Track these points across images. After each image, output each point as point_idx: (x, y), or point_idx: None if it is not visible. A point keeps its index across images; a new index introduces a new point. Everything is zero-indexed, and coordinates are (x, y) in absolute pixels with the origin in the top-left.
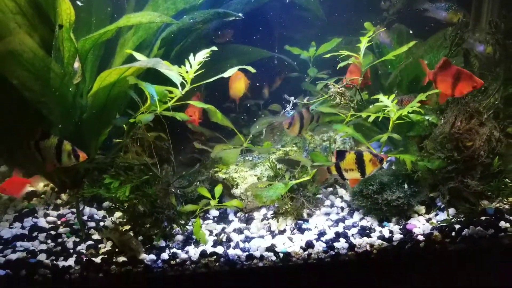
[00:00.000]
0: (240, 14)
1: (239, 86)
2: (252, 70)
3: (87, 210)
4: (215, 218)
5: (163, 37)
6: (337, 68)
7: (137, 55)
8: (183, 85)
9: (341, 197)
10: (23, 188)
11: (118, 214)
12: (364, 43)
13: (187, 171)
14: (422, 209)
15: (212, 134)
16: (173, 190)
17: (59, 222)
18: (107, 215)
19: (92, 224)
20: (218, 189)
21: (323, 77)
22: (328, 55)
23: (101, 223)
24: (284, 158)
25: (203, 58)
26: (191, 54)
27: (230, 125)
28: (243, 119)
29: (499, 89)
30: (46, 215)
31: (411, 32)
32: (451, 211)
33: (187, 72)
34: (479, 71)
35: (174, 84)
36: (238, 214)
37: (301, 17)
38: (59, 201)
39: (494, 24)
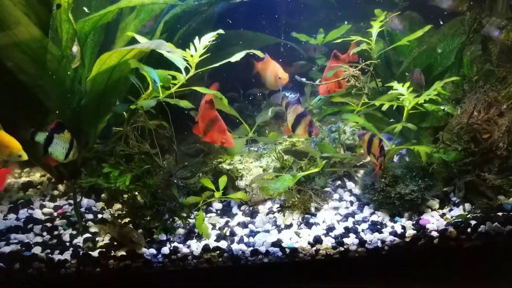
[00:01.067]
0: None
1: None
2: (261, 54)
3: (85, 201)
4: (218, 211)
5: (166, 20)
6: (350, 54)
7: (139, 37)
8: (187, 70)
9: (350, 191)
10: (4, 179)
11: (117, 206)
12: (376, 27)
13: (190, 161)
14: (436, 204)
15: None
16: (175, 181)
17: (55, 214)
18: (105, 207)
19: (90, 216)
20: (223, 181)
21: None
22: (339, 41)
23: (100, 215)
24: (291, 149)
25: (209, 42)
26: (196, 38)
27: (236, 114)
28: (247, 109)
29: None
30: (42, 207)
31: (423, 19)
32: (467, 206)
33: (191, 56)
34: (497, 59)
35: (178, 70)
36: (242, 207)
37: (309, 3)
38: (56, 192)
39: None
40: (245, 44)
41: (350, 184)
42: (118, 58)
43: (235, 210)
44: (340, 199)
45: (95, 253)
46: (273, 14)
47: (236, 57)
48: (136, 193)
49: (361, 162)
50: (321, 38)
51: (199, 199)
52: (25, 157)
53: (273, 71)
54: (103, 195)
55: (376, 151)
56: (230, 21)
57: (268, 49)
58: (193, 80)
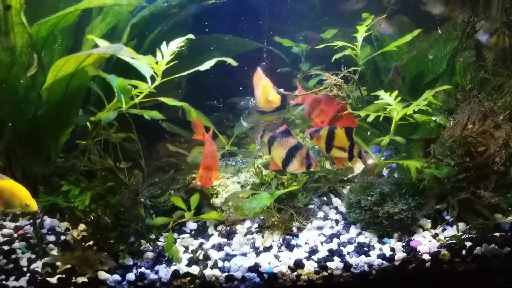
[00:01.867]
0: None
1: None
2: (233, 63)
3: (48, 221)
4: (193, 232)
5: (133, 23)
6: (332, 60)
7: (100, 41)
8: (153, 79)
9: (336, 208)
10: None
11: (83, 225)
12: (361, 32)
13: (161, 177)
14: (428, 223)
15: (188, 134)
16: (142, 199)
17: (15, 235)
18: (70, 227)
19: (52, 238)
20: (194, 200)
21: (316, 72)
22: (322, 46)
23: (63, 237)
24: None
25: (177, 48)
26: (164, 44)
27: (210, 125)
28: (227, 118)
29: None
30: (1, 227)
31: (414, 24)
32: (461, 226)
33: (157, 63)
34: (493, 66)
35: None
36: (219, 227)
37: (294, 6)
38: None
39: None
40: (224, 50)
41: (336, 201)
42: (75, 65)
43: (211, 230)
44: (325, 218)
45: (53, 280)
46: (256, 18)
47: (206, 65)
48: (98, 213)
49: (348, 177)
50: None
51: (169, 220)
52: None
53: (264, 93)
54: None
55: (342, 143)
56: (209, 25)
57: (250, 54)
58: (168, 88)
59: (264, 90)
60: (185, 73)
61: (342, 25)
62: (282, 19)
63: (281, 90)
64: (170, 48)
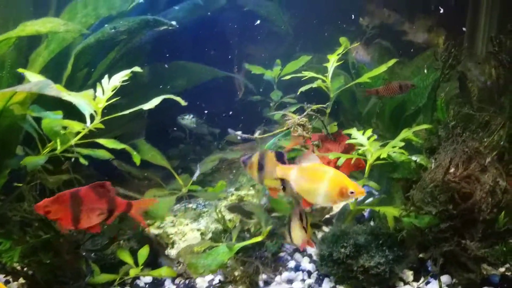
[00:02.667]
0: (174, 23)
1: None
2: (183, 102)
3: None
4: (147, 286)
5: (77, 51)
6: (298, 93)
7: (31, 75)
8: (92, 117)
9: (310, 256)
10: None
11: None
12: (332, 62)
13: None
14: (410, 275)
15: (140, 174)
16: (84, 253)
17: None
18: (11, 280)
19: None
20: (143, 254)
21: (290, 101)
22: (289, 77)
23: None
24: (238, 205)
25: (120, 82)
26: (106, 78)
27: (167, 164)
28: (195, 151)
29: (505, 124)
30: None
31: (394, 49)
32: (446, 279)
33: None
34: (479, 101)
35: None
36: (177, 280)
37: (267, 30)
38: None
39: (498, 42)
40: (188, 78)
41: (309, 248)
42: (3, 102)
43: (168, 283)
44: (297, 268)
45: None
46: (226, 43)
47: (151, 104)
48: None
49: (325, 217)
50: (277, 70)
51: (114, 276)
52: None
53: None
54: None
55: (272, 163)
56: (173, 51)
57: (219, 82)
58: (129, 118)
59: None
60: (127, 111)
61: (319, 51)
62: (254, 43)
63: (239, 132)
64: (112, 83)
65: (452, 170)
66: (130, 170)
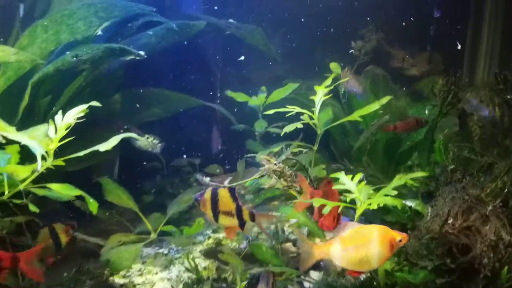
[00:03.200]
0: (142, 53)
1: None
2: (143, 140)
3: None
4: None
5: (34, 81)
6: (281, 135)
7: None
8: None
9: None
10: None
11: None
12: (320, 95)
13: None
14: None
15: (104, 215)
16: None
17: None
18: None
19: None
20: None
21: (275, 131)
22: (272, 112)
23: None
24: (215, 250)
25: (74, 120)
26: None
27: (132, 206)
28: (172, 184)
29: (510, 169)
30: None
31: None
32: None
33: (51, 137)
34: (480, 142)
35: None
36: None
37: (252, 55)
38: None
39: (502, 78)
40: (165, 106)
41: None
42: None
43: None
44: None
45: None
46: (208, 69)
47: (108, 144)
48: None
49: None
50: (262, 98)
51: None
52: None
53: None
54: None
55: (227, 206)
56: (151, 77)
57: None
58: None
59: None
60: (82, 153)
61: (308, 76)
62: (238, 71)
63: (206, 179)
64: (65, 120)
65: (450, 220)
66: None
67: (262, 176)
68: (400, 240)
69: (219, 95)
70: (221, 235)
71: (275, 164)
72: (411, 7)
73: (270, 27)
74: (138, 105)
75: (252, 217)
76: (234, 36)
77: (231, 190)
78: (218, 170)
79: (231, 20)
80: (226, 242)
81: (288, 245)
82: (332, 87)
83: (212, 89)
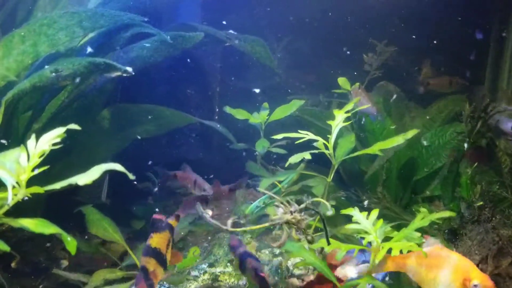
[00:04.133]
0: (130, 69)
1: None
2: (129, 176)
3: None
4: None
5: (8, 99)
6: (286, 165)
7: None
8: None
9: None
10: None
11: None
12: (338, 121)
13: None
14: None
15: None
16: None
17: None
18: None
19: None
20: None
21: (279, 152)
22: (280, 137)
23: None
24: (212, 286)
25: (49, 146)
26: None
27: (119, 239)
28: (165, 208)
29: None
30: None
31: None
32: None
33: (23, 166)
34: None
35: None
36: None
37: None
38: None
39: None
40: (158, 123)
41: None
42: None
43: None
44: None
45: None
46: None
47: (88, 177)
48: None
49: None
50: (264, 115)
51: None
52: None
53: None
54: None
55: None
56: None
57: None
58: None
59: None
60: (58, 185)
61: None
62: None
63: (202, 211)
64: (39, 147)
65: (479, 265)
66: (78, 245)
67: (273, 225)
68: (476, 285)
69: (217, 110)
70: (218, 269)
71: (291, 212)
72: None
73: (274, 37)
74: (128, 122)
75: None
76: (234, 49)
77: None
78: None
79: (231, 31)
80: (223, 278)
81: (293, 280)
82: (350, 113)
83: (210, 105)
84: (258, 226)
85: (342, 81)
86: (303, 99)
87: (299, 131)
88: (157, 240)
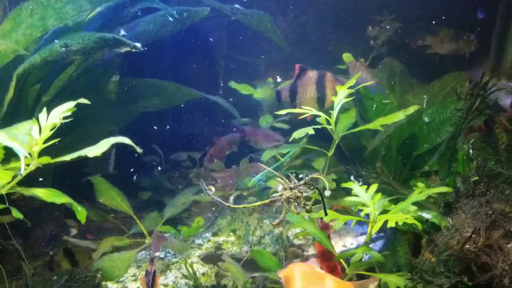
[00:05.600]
0: (139, 45)
1: None
2: (138, 149)
3: None
4: None
5: (19, 73)
6: (290, 140)
7: None
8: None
9: None
10: None
11: None
12: (340, 97)
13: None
14: None
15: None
16: None
17: None
18: None
19: None
20: None
21: (282, 127)
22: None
23: None
24: (215, 254)
25: (60, 120)
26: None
27: (126, 208)
28: (171, 179)
29: None
30: None
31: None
32: None
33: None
34: (507, 150)
35: None
36: None
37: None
38: None
39: None
40: (162, 97)
41: None
42: None
43: None
44: None
45: None
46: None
47: (97, 150)
48: None
49: None
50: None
51: None
52: None
53: None
54: None
55: None
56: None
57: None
58: (100, 135)
59: None
60: (68, 157)
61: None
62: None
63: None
64: (50, 120)
65: (472, 237)
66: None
67: (273, 201)
68: None
69: (222, 85)
70: (221, 238)
71: (291, 188)
72: None
73: (280, 12)
74: (134, 96)
75: None
76: (239, 23)
77: None
78: (221, 167)
79: (236, 6)
80: (226, 246)
81: (293, 249)
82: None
83: (215, 80)
84: (257, 204)
85: (346, 56)
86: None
87: (302, 106)
88: None
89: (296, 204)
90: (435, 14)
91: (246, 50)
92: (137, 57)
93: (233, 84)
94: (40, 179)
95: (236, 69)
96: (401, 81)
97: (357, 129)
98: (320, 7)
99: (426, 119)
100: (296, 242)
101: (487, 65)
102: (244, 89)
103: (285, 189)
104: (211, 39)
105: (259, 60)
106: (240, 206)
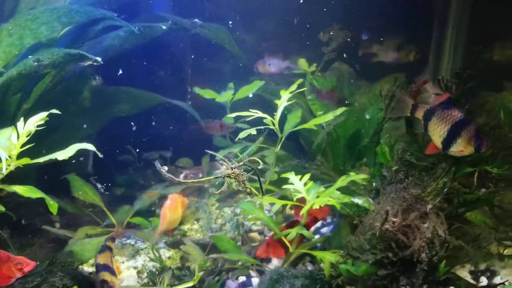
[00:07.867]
0: (99, 59)
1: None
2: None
3: None
4: None
5: None
6: (236, 140)
7: None
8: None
9: None
10: None
11: None
12: (283, 100)
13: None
14: None
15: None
16: None
17: None
18: None
19: None
20: None
21: (243, 127)
22: (234, 115)
23: None
24: (180, 241)
25: (34, 127)
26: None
27: (98, 201)
28: (144, 177)
29: (450, 169)
30: None
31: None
32: None
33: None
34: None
35: None
36: None
37: (217, 54)
38: None
39: (444, 84)
40: (132, 103)
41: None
42: None
43: None
44: None
45: None
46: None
47: (65, 154)
48: None
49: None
50: (229, 95)
51: None
52: None
53: None
54: None
55: None
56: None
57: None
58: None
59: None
60: (41, 159)
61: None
62: (205, 69)
63: (164, 168)
64: (27, 127)
65: (391, 218)
66: (64, 206)
67: (217, 177)
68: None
69: (189, 90)
70: (186, 226)
71: (232, 168)
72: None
73: (241, 21)
74: (106, 102)
75: None
76: (199, 36)
77: None
78: (189, 164)
79: (196, 20)
80: (190, 234)
81: (254, 234)
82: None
83: (181, 86)
84: (203, 179)
85: (301, 61)
86: (263, 80)
87: (250, 110)
88: (102, 258)
89: (237, 182)
90: (382, 24)
91: (209, 59)
92: (110, 66)
93: (197, 90)
94: (23, 178)
95: (200, 77)
96: (348, 84)
97: (299, 127)
98: (278, 16)
99: (368, 116)
100: (254, 227)
101: (427, 70)
102: (207, 94)
103: (227, 169)
104: (176, 50)
105: (221, 67)
106: (189, 181)
